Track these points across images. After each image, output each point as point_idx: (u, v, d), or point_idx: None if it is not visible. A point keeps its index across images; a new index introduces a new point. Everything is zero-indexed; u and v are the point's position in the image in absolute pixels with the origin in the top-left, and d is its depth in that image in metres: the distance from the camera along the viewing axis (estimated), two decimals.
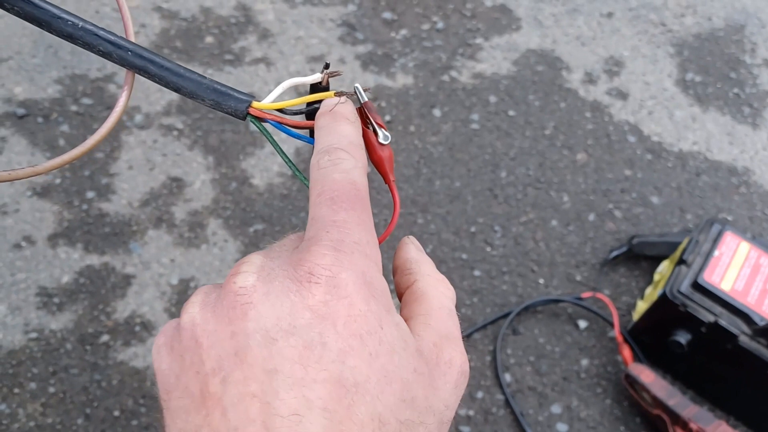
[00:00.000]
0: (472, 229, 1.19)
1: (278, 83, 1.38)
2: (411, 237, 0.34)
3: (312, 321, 0.23)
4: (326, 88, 0.36)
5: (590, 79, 1.44)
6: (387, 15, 1.51)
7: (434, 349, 0.26)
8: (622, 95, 1.42)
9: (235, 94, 0.34)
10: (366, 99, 0.36)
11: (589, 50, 1.50)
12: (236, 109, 0.34)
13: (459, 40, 1.48)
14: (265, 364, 0.22)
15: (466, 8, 1.55)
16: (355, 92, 0.36)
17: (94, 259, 1.09)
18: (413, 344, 0.26)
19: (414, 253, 0.32)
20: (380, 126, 0.35)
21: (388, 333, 0.24)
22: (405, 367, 0.24)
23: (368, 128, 0.36)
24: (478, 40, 1.49)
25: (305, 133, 0.35)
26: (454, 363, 0.27)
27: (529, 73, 1.44)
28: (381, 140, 0.35)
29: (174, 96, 1.31)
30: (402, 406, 0.23)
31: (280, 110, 0.35)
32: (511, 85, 1.41)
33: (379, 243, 0.36)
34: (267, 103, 0.34)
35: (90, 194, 1.16)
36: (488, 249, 1.17)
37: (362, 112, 0.36)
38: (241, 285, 0.24)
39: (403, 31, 1.49)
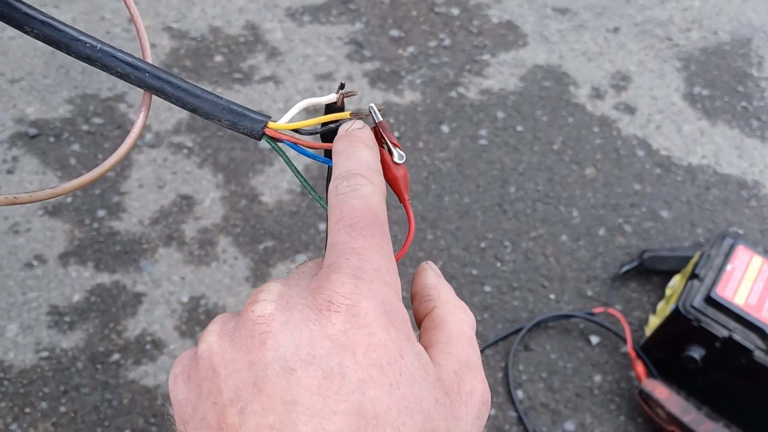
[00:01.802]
0: (482, 245, 1.18)
1: (287, 101, 1.40)
2: (429, 262, 0.33)
3: (331, 351, 0.23)
4: (341, 108, 0.36)
5: (597, 93, 1.45)
6: (394, 32, 1.52)
7: (455, 378, 0.26)
8: (630, 110, 1.43)
9: (251, 115, 0.34)
10: (381, 119, 0.36)
11: (595, 65, 1.51)
12: (252, 129, 0.34)
13: (466, 57, 1.49)
14: (283, 395, 0.22)
15: (472, 25, 1.56)
16: (370, 112, 0.36)
17: (105, 278, 1.09)
18: (434, 373, 0.25)
19: (433, 278, 0.32)
20: (395, 145, 0.36)
21: (409, 362, 0.24)
22: (426, 397, 0.24)
23: (383, 147, 0.36)
24: (485, 57, 1.50)
25: (320, 152, 0.35)
26: (476, 393, 0.26)
27: (537, 89, 1.44)
28: (396, 159, 0.35)
29: (184, 114, 1.32)
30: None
31: (295, 130, 0.35)
32: (519, 100, 1.42)
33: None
34: (282, 123, 0.34)
35: (101, 213, 1.17)
36: (498, 264, 1.16)
37: (377, 132, 0.36)
38: (259, 314, 0.24)
39: (411, 48, 1.50)
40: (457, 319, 0.29)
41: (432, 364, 0.25)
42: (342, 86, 0.35)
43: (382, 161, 0.36)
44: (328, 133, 0.36)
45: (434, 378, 0.25)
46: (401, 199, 0.36)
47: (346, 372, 0.22)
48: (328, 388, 0.22)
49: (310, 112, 1.20)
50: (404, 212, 1.18)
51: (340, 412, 0.22)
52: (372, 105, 0.36)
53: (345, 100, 0.36)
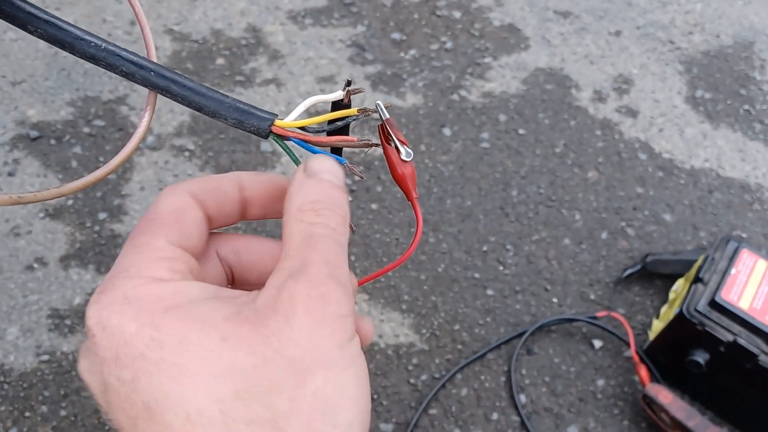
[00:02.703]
0: (484, 248, 1.18)
1: (289, 104, 1.40)
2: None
3: (104, 367, 0.24)
4: (348, 106, 0.36)
5: (600, 97, 1.45)
6: (396, 35, 1.52)
7: (275, 293, 0.25)
8: (632, 113, 1.42)
9: (258, 113, 0.34)
10: (388, 116, 0.36)
11: (597, 68, 1.50)
12: (259, 127, 0.34)
13: (468, 60, 1.49)
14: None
15: (474, 28, 1.56)
16: (377, 109, 0.36)
17: None
18: (219, 317, 0.24)
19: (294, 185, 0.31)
20: (402, 143, 0.35)
21: (169, 334, 0.23)
22: (210, 350, 0.23)
23: (390, 145, 0.35)
24: (487, 60, 1.49)
25: (326, 149, 0.35)
26: (296, 296, 0.24)
27: (539, 92, 1.44)
28: (404, 157, 0.35)
29: (185, 117, 1.31)
30: (218, 392, 0.22)
31: (302, 128, 0.34)
32: (521, 103, 1.42)
33: (402, 262, 0.36)
34: (289, 121, 0.34)
35: (102, 215, 1.16)
36: (501, 268, 1.16)
37: (384, 129, 0.36)
38: None
39: (412, 51, 1.49)
40: (296, 201, 0.29)
41: (214, 310, 0.24)
42: (349, 83, 0.35)
43: (389, 160, 0.35)
44: (334, 130, 0.35)
45: (217, 322, 0.24)
46: (409, 197, 0.35)
47: (112, 380, 0.24)
48: (111, 402, 0.24)
49: (311, 113, 1.20)
50: (409, 214, 1.18)
51: (125, 416, 0.24)
52: (378, 102, 0.36)
53: (351, 97, 0.36)
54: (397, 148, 0.35)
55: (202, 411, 0.22)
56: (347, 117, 0.35)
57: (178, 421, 0.22)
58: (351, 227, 0.32)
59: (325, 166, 0.31)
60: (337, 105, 0.36)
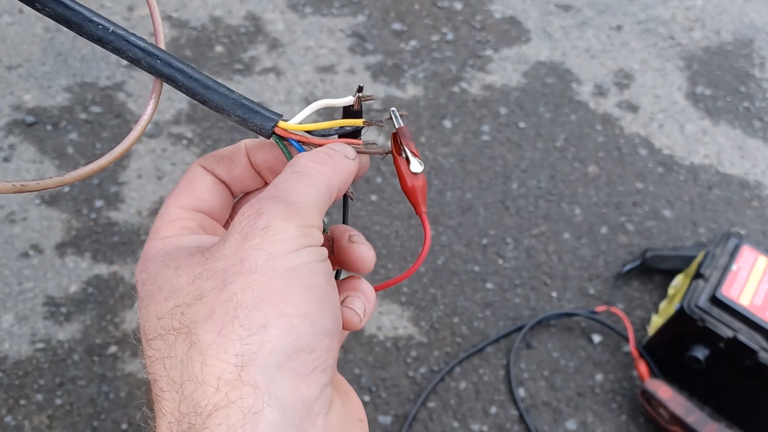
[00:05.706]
0: (484, 242, 1.18)
1: (288, 93, 1.38)
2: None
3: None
4: (359, 112, 0.35)
5: (600, 91, 1.44)
6: (396, 26, 1.51)
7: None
8: (633, 108, 1.42)
9: (263, 112, 0.33)
10: (401, 124, 0.35)
11: (598, 63, 1.50)
12: (262, 127, 0.33)
13: (469, 52, 1.48)
14: None
15: (475, 20, 1.55)
16: (391, 116, 0.35)
17: (103, 269, 1.08)
18: (184, 254, 0.29)
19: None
20: (414, 154, 0.34)
21: (149, 273, 0.29)
22: (166, 278, 0.28)
23: (401, 155, 0.34)
24: (488, 52, 1.48)
25: None
26: (237, 218, 0.27)
27: (539, 85, 1.43)
28: (413, 169, 0.33)
29: (183, 105, 1.30)
30: (162, 310, 0.27)
31: (308, 132, 0.34)
32: (522, 96, 1.41)
33: (406, 277, 0.35)
34: (295, 124, 0.33)
35: (99, 203, 1.15)
36: (500, 261, 1.15)
37: (395, 138, 0.35)
38: None
39: (413, 42, 1.48)
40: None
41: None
42: (360, 89, 0.34)
43: (399, 170, 0.34)
44: (345, 135, 0.34)
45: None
46: (417, 211, 0.34)
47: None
48: None
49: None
50: (408, 206, 1.17)
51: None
52: (393, 109, 0.35)
53: (362, 103, 0.35)
54: (407, 158, 0.34)
55: (153, 329, 0.27)
56: (355, 126, 0.34)
57: (144, 341, 0.27)
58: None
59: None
60: (347, 110, 0.35)
